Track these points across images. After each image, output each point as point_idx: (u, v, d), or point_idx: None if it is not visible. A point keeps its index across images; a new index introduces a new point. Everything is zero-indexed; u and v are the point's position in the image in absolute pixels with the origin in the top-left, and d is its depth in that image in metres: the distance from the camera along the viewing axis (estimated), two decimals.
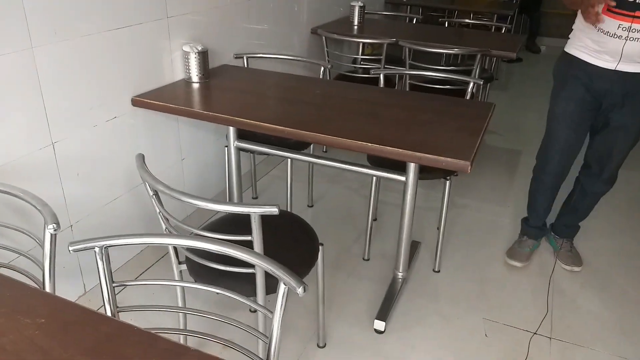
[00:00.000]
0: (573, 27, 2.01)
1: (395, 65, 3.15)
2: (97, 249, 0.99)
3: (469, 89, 2.32)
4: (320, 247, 1.60)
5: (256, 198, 2.85)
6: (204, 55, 2.10)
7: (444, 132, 1.73)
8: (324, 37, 3.13)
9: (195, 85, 2.11)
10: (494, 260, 2.41)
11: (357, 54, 3.46)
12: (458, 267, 2.34)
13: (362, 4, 3.41)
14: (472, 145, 1.60)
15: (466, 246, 2.50)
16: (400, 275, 2.10)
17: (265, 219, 1.25)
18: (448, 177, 2.12)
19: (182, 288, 1.62)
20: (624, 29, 1.76)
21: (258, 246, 1.31)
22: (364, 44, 3.37)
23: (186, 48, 2.09)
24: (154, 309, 1.14)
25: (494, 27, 3.97)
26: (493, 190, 3.06)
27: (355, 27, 3.43)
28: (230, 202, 2.31)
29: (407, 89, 2.90)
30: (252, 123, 1.76)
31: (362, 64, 3.27)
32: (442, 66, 3.14)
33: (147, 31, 1.98)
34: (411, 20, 4.28)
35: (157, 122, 2.14)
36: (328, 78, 2.59)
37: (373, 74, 2.48)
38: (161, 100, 1.94)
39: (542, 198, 2.33)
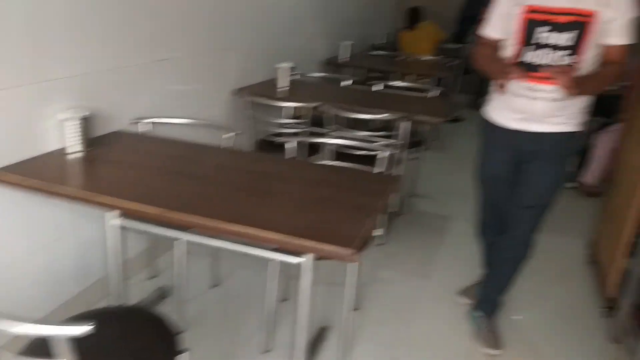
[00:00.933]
0: (490, 89, 2.07)
1: (323, 129, 3.04)
2: None
3: (382, 157, 2.18)
4: (181, 356, 1.35)
5: (155, 277, 2.53)
6: (85, 123, 1.89)
7: (340, 211, 1.57)
8: (248, 100, 2.99)
9: (71, 158, 1.88)
10: (412, 344, 2.20)
11: (282, 118, 3.32)
12: (371, 355, 2.12)
13: (288, 66, 3.30)
14: (359, 229, 1.43)
15: (382, 329, 2.29)
16: None
17: (103, 327, 0.99)
18: None
19: None
20: (530, 89, 1.84)
21: None
22: (295, 107, 3.23)
23: (64, 114, 1.87)
24: None
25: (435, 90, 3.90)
26: (419, 262, 2.89)
27: (282, 89, 3.31)
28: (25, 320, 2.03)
29: (329, 156, 2.77)
30: (119, 204, 1.55)
31: (287, 128, 3.13)
32: (371, 130, 3.05)
33: (14, 96, 1.76)
34: (345, 83, 4.18)
35: (24, 194, 1.87)
36: (242, 144, 2.40)
37: (284, 142, 2.33)
38: (26, 174, 1.70)
39: (488, 253, 2.35)
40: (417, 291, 2.60)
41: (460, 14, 6.06)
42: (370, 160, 2.78)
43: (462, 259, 2.86)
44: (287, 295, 2.37)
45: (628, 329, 2.21)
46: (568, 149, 2.01)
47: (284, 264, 1.74)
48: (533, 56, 1.83)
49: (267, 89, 3.34)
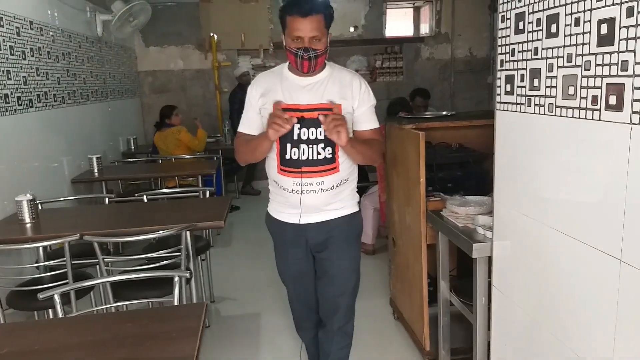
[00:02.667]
0: (269, 187, 2.05)
1: (94, 258, 2.57)
2: None
3: (175, 285, 1.87)
4: None
5: None
6: None
7: None
8: None
9: None
10: None
11: (37, 260, 2.72)
12: None
13: (30, 197, 2.74)
14: None
15: None
16: None
17: None
18: None
19: None
20: (297, 184, 1.89)
21: None
22: (43, 247, 2.66)
23: None
24: None
25: (202, 191, 3.71)
26: None
27: (28, 225, 2.72)
28: None
29: (110, 293, 2.32)
30: None
31: (47, 272, 2.57)
32: (152, 249, 2.71)
33: None
34: (105, 201, 3.73)
35: None
36: None
37: (43, 298, 1.82)
38: None
39: (312, 347, 2.29)
40: None
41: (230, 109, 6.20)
42: (157, 282, 2.45)
43: (285, 354, 2.67)
44: None
45: None
46: (354, 230, 2.06)
47: None
48: (294, 152, 1.87)
49: (8, 228, 2.71)
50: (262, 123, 1.93)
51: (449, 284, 2.39)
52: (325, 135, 1.82)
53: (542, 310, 1.58)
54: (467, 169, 2.64)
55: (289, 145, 1.87)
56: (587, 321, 1.37)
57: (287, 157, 1.88)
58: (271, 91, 1.90)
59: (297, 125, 1.84)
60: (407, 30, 7.47)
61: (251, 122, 1.98)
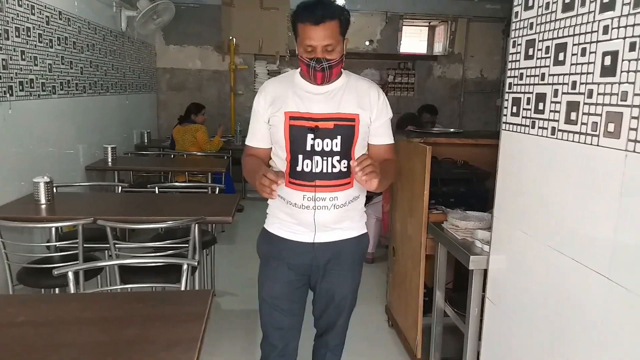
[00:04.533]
0: (268, 202, 1.85)
1: (103, 243, 2.67)
2: None
3: (183, 273, 1.96)
4: None
5: None
6: None
7: (153, 355, 1.29)
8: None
9: None
10: None
11: (49, 240, 2.81)
12: None
13: (48, 179, 2.85)
14: None
15: None
16: None
17: None
18: None
19: None
20: (309, 199, 1.73)
21: None
22: (56, 228, 2.76)
23: None
24: None
25: (210, 188, 3.81)
26: None
27: (43, 206, 2.83)
28: None
29: (117, 276, 2.41)
30: None
31: (57, 252, 2.67)
32: (160, 239, 2.80)
33: None
34: (117, 189, 3.84)
35: None
36: None
37: (57, 274, 1.91)
38: None
39: None
40: None
41: None
42: (163, 270, 2.54)
43: None
44: None
45: None
46: (361, 252, 1.92)
47: None
48: (306, 164, 1.72)
49: (24, 208, 2.81)
50: (272, 134, 1.78)
51: (445, 295, 2.47)
52: (341, 147, 1.71)
53: (532, 323, 1.65)
54: (470, 186, 2.73)
55: (300, 157, 1.71)
56: (574, 335, 1.44)
57: (299, 169, 1.72)
58: (281, 99, 1.74)
59: (310, 136, 1.69)
60: (421, 48, 7.60)
61: (258, 134, 1.82)
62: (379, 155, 1.78)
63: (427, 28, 7.58)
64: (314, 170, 1.71)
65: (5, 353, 1.30)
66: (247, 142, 1.86)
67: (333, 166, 1.72)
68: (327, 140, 1.71)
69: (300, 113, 1.71)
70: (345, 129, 1.72)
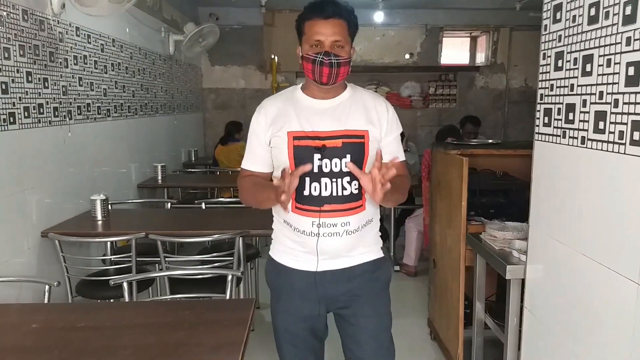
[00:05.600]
0: (273, 227, 1.75)
1: (154, 257, 2.82)
2: None
3: (228, 283, 2.07)
4: None
5: None
6: None
7: (199, 356, 1.40)
8: (57, 241, 2.64)
9: None
10: None
11: (105, 254, 3.01)
12: None
13: (104, 197, 3.06)
14: None
15: None
16: None
17: None
18: None
19: None
20: (318, 225, 1.58)
21: None
22: (111, 242, 2.95)
23: None
24: None
25: None
26: None
27: (99, 222, 3.02)
28: None
29: (167, 287, 2.55)
30: None
31: (113, 265, 2.84)
32: (207, 253, 2.94)
33: None
34: (166, 205, 4.04)
35: None
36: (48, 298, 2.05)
37: (114, 284, 2.07)
38: None
39: None
40: None
41: None
42: (209, 282, 2.66)
43: None
44: None
45: None
46: (382, 278, 1.73)
47: None
48: (314, 188, 1.57)
49: (82, 224, 3.02)
50: (272, 157, 1.65)
51: (485, 306, 2.47)
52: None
53: (567, 332, 1.66)
54: (510, 197, 2.73)
55: (307, 179, 1.57)
56: (606, 343, 1.45)
57: (306, 192, 1.57)
58: (283, 117, 1.60)
59: (317, 156, 1.55)
60: (463, 59, 7.57)
61: (257, 158, 1.68)
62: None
63: (468, 39, 7.55)
64: (322, 194, 1.57)
65: (67, 354, 1.44)
66: (244, 166, 1.71)
67: (343, 188, 1.58)
68: (336, 160, 1.57)
69: (305, 132, 1.57)
70: (354, 146, 1.58)
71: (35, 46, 2.77)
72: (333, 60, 1.52)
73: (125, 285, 2.03)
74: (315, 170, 1.56)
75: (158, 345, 1.47)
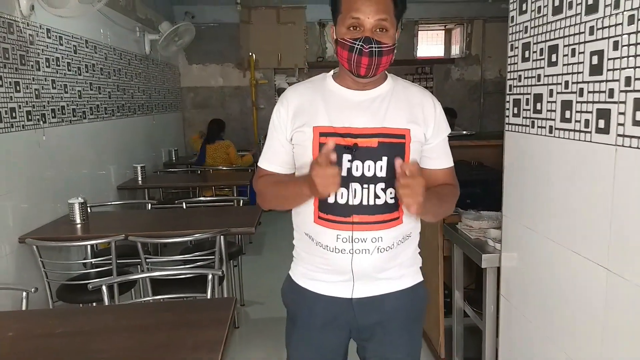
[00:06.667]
0: (294, 242, 1.50)
1: (135, 258, 2.81)
2: None
3: (209, 283, 2.07)
4: None
5: None
6: None
7: (179, 357, 1.40)
8: (34, 247, 2.61)
9: None
10: None
11: (85, 258, 2.98)
12: None
13: (82, 200, 3.02)
14: None
15: None
16: None
17: None
18: None
19: None
20: (345, 239, 1.34)
21: None
22: (91, 245, 2.93)
23: None
24: None
25: (236, 201, 3.98)
26: None
27: (78, 226, 2.99)
28: None
29: (149, 289, 2.54)
30: None
31: (93, 269, 2.82)
32: (189, 252, 2.93)
33: None
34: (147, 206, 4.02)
35: None
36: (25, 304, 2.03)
37: (92, 288, 2.05)
38: None
39: None
40: None
41: None
42: (192, 282, 2.66)
43: None
44: None
45: None
46: (417, 308, 1.50)
47: None
48: (341, 194, 1.33)
49: (60, 228, 2.98)
50: (296, 156, 1.41)
51: (465, 295, 2.51)
52: (387, 171, 1.32)
53: (542, 317, 1.70)
54: (486, 187, 2.77)
55: None
56: (578, 327, 1.49)
57: (331, 200, 1.33)
58: (308, 111, 1.36)
59: (347, 157, 1.31)
60: (438, 52, 7.63)
61: (277, 157, 1.43)
62: (436, 182, 1.42)
63: (443, 31, 7.61)
64: (350, 202, 1.32)
65: None
66: (260, 165, 1.47)
67: (376, 196, 1.33)
68: (369, 163, 1.32)
69: (334, 128, 1.32)
70: (392, 147, 1.33)
71: (4, 49, 2.73)
72: (374, 49, 1.28)
73: (104, 288, 2.01)
74: (344, 173, 1.30)
75: (138, 347, 1.47)
